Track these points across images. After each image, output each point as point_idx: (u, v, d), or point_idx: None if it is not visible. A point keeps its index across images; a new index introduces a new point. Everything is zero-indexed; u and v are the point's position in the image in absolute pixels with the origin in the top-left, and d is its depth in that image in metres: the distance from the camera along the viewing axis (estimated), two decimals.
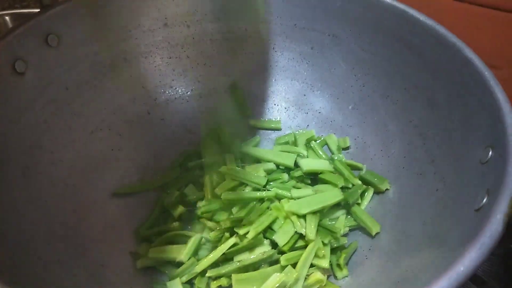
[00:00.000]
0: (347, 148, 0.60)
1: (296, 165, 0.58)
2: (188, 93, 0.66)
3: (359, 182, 0.54)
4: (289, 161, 0.57)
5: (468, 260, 0.28)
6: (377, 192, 0.53)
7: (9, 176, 0.43)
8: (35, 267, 0.40)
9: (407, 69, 0.53)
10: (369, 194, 0.52)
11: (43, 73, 0.50)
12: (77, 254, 0.45)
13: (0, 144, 0.43)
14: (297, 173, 0.56)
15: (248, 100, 0.66)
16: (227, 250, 0.47)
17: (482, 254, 0.29)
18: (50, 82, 0.52)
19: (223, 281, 0.46)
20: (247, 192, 0.53)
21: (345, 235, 0.51)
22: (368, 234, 0.50)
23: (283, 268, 0.46)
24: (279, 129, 0.65)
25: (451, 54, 0.46)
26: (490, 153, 0.38)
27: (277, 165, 0.58)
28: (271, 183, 0.55)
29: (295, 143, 0.61)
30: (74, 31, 0.52)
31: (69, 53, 0.53)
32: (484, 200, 0.35)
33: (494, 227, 0.30)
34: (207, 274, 0.46)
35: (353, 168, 0.57)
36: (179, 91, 0.65)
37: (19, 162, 0.45)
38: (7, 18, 0.79)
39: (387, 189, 0.53)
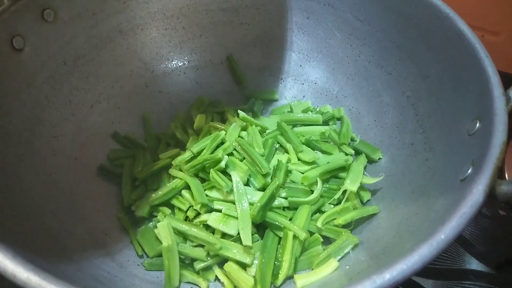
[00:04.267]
0: (341, 119, 0.61)
1: None
2: (185, 65, 0.66)
3: (352, 151, 0.56)
4: None
5: (449, 229, 0.30)
6: (370, 161, 0.55)
7: (13, 151, 0.45)
8: (42, 234, 0.42)
9: (401, 40, 0.53)
10: (362, 162, 0.53)
11: (41, 48, 0.50)
12: (80, 222, 0.47)
13: (4, 120, 0.45)
14: None
15: (244, 72, 0.67)
16: None
17: (462, 224, 0.31)
18: (49, 57, 0.52)
19: None
20: None
21: None
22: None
23: None
24: (275, 100, 0.66)
25: (444, 25, 0.47)
26: (477, 125, 0.39)
27: None
28: None
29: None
30: (69, 4, 0.52)
31: (65, 27, 0.53)
32: (469, 170, 0.37)
33: (475, 198, 0.32)
34: None
35: None
36: (176, 63, 0.66)
37: (23, 137, 0.47)
38: None
39: (380, 159, 0.55)
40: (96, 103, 0.58)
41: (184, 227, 0.45)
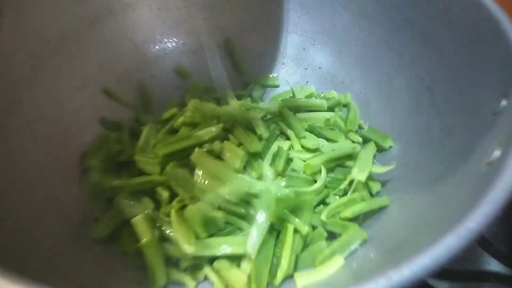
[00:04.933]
0: (347, 105, 0.56)
1: None
2: (180, 48, 0.62)
3: (360, 139, 0.51)
4: None
5: (479, 216, 0.25)
6: (380, 150, 0.50)
7: None
8: (10, 225, 0.37)
9: (414, 17, 0.49)
10: (372, 150, 0.48)
11: (21, 23, 0.46)
12: (58, 215, 0.43)
13: None
14: None
15: (243, 56, 0.62)
16: None
17: (494, 209, 0.26)
18: (30, 34, 0.48)
19: None
20: None
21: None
22: None
23: None
24: (276, 86, 0.62)
25: None
26: (503, 102, 0.35)
27: None
28: None
29: None
30: None
31: (49, 3, 0.49)
32: (496, 152, 0.32)
33: (507, 180, 0.27)
34: None
35: None
36: (170, 46, 0.61)
37: None
38: None
39: (390, 147, 0.50)
40: (82, 86, 0.54)
41: (157, 225, 0.41)
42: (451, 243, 0.24)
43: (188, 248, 0.38)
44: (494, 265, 0.51)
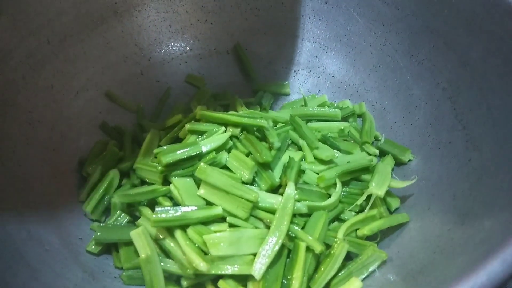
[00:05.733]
0: (362, 115, 0.53)
1: None
2: (186, 53, 0.59)
3: (377, 151, 0.48)
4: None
5: None
6: (399, 163, 0.47)
7: None
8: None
9: (436, 23, 0.46)
10: (390, 163, 0.45)
11: (21, 21, 0.44)
12: (49, 221, 0.40)
13: None
14: None
15: (253, 62, 0.59)
16: None
17: None
18: (29, 33, 0.46)
19: None
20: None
21: None
22: None
23: None
24: (287, 94, 0.59)
25: (490, 2, 0.39)
26: None
27: None
28: None
29: None
30: None
31: (51, 1, 0.47)
32: None
33: None
34: None
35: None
36: (177, 50, 0.59)
37: None
38: None
39: (409, 160, 0.46)
40: (82, 89, 0.51)
41: (161, 237, 0.37)
42: (496, 269, 0.21)
43: (204, 265, 0.34)
44: None
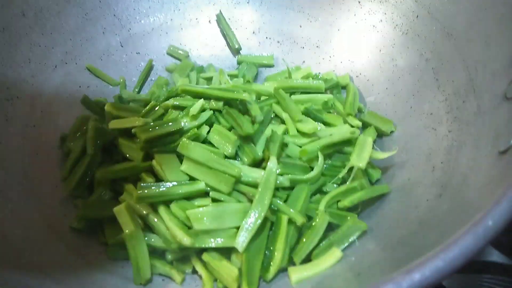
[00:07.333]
0: (346, 87, 0.53)
1: None
2: (167, 23, 0.57)
3: (359, 123, 0.48)
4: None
5: (498, 212, 0.23)
6: (381, 135, 0.47)
7: None
8: None
9: None
10: (371, 135, 0.45)
11: None
12: (32, 200, 0.39)
13: None
14: None
15: (236, 33, 0.58)
16: None
17: None
18: (2, 6, 0.44)
19: None
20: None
21: None
22: None
23: None
24: (271, 66, 0.58)
25: None
26: None
27: None
28: None
29: None
30: None
31: None
32: None
33: None
34: None
35: None
36: (157, 21, 0.57)
37: None
38: None
39: (392, 132, 0.47)
40: (61, 63, 0.50)
41: (144, 213, 0.37)
42: (468, 243, 0.22)
43: (187, 239, 0.35)
44: (495, 256, 0.49)
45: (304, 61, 0.57)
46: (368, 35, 0.52)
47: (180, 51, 0.57)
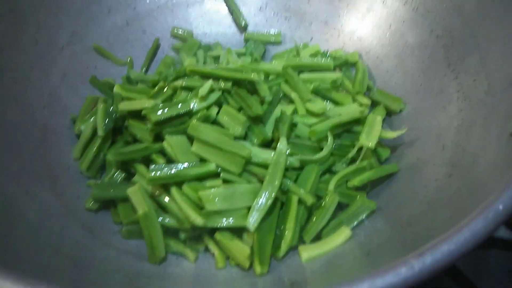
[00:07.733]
0: (355, 64, 0.52)
1: None
2: (173, 1, 0.57)
3: (369, 102, 0.48)
4: None
5: (509, 196, 0.23)
6: (390, 113, 0.47)
7: None
8: None
9: None
10: (381, 114, 0.45)
11: None
12: (45, 182, 0.40)
13: None
14: None
15: (242, 10, 0.57)
16: None
17: None
18: None
19: None
20: None
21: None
22: None
23: None
24: (278, 43, 0.57)
25: None
26: None
27: None
28: None
29: None
30: None
31: None
32: None
33: None
34: None
35: None
36: None
37: None
38: None
39: (401, 110, 0.46)
40: (68, 44, 0.50)
41: (157, 193, 0.38)
42: (479, 227, 0.22)
43: (200, 220, 0.35)
44: (502, 232, 0.50)
45: (312, 38, 0.56)
46: (378, 11, 0.51)
47: (183, 31, 0.56)
